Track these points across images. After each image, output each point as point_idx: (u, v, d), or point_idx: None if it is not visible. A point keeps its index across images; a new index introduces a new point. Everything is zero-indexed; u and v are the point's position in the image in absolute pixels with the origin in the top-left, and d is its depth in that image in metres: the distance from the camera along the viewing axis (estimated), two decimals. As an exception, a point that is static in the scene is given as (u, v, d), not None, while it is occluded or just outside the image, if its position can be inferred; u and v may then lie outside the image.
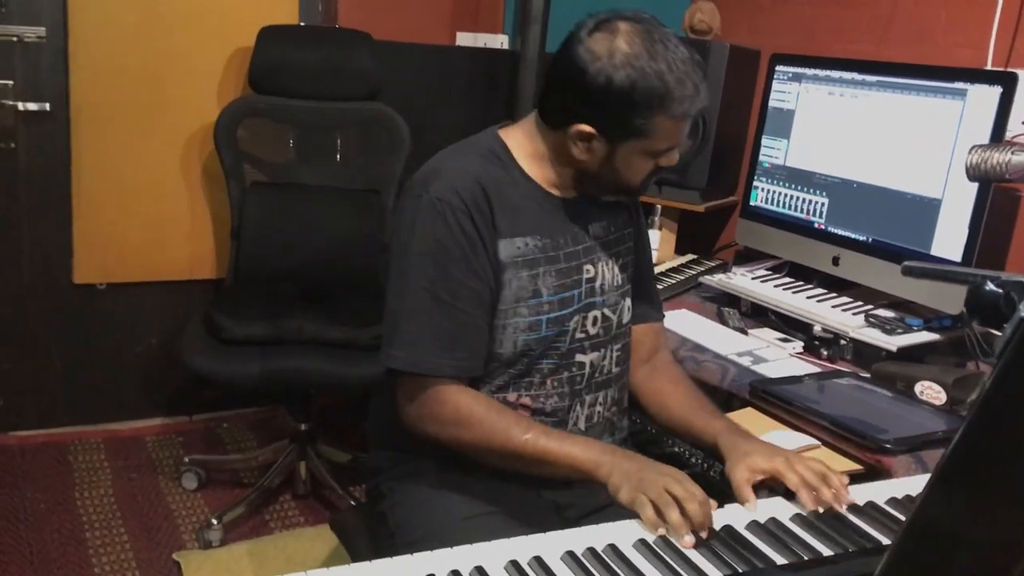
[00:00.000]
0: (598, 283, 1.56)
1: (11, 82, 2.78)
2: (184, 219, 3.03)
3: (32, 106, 2.81)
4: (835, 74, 2.23)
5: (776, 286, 2.27)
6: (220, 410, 3.26)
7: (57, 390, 3.05)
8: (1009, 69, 1.90)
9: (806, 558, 1.21)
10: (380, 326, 2.36)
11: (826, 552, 1.23)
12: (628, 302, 1.63)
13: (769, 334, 2.14)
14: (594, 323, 1.56)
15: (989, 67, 2.11)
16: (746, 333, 2.15)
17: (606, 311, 1.58)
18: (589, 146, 1.44)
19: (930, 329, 2.00)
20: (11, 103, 2.78)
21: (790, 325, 2.15)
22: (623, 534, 1.24)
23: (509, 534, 1.40)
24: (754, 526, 1.28)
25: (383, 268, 2.83)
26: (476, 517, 1.46)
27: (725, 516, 1.30)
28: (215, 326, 2.41)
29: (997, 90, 1.88)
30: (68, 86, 2.81)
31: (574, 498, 1.55)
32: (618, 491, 1.32)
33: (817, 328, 2.07)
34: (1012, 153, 1.43)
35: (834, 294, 2.20)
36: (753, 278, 2.33)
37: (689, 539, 1.23)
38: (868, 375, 1.91)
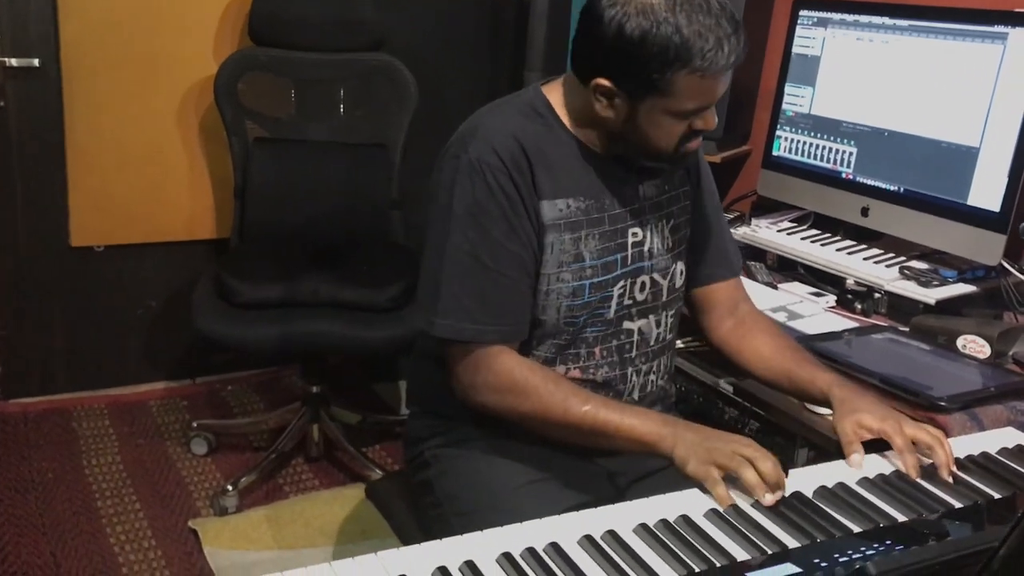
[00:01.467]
0: (646, 247, 1.50)
1: (-3, 37, 2.66)
2: (183, 178, 2.94)
3: (20, 62, 2.69)
4: (864, 19, 2.16)
5: (803, 239, 2.22)
6: (224, 372, 3.19)
7: (58, 356, 2.98)
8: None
9: (882, 524, 1.18)
10: (395, 285, 2.35)
11: (900, 517, 1.20)
12: (681, 265, 1.57)
13: (800, 288, 2.10)
14: (642, 289, 1.51)
15: (1029, 9, 2.04)
16: (776, 287, 2.11)
17: (656, 276, 1.52)
18: (611, 103, 1.36)
19: (965, 280, 1.96)
20: (-2, 59, 2.67)
21: (820, 278, 2.11)
22: (694, 504, 1.20)
23: (565, 501, 1.38)
24: (823, 491, 1.25)
25: (394, 225, 2.78)
26: (529, 485, 1.43)
27: (792, 482, 1.26)
28: (227, 289, 2.33)
29: (1040, 34, 1.83)
30: (58, 40, 2.69)
31: (625, 465, 1.51)
32: (685, 464, 1.27)
33: (850, 281, 2.03)
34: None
35: (863, 246, 2.15)
36: (779, 231, 2.28)
37: (770, 497, 1.19)
38: (906, 329, 1.88)
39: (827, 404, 1.43)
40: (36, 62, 2.70)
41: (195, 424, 2.80)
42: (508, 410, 1.40)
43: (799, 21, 2.31)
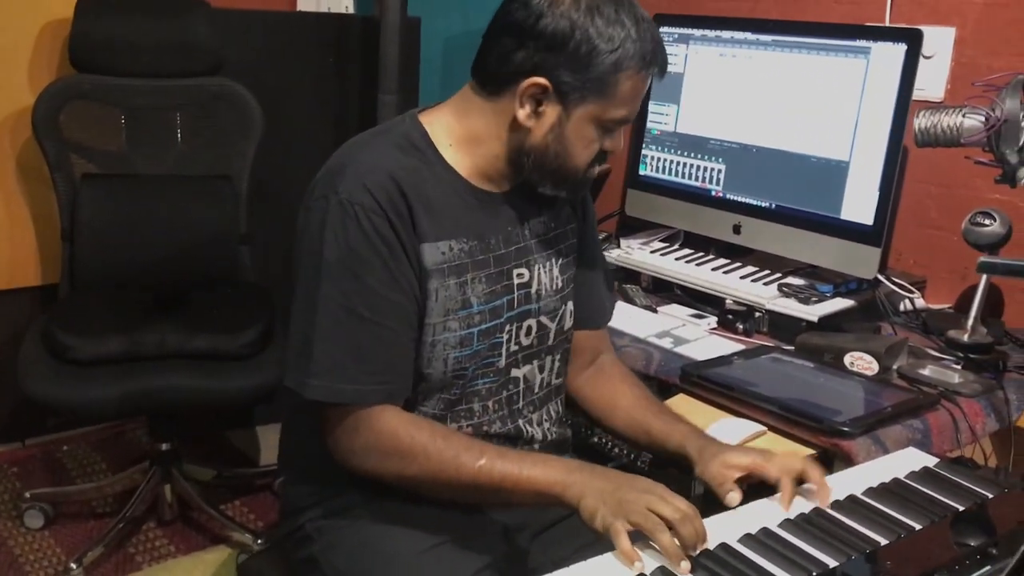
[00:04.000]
0: (534, 288, 1.39)
1: None
2: (0, 221, 2.64)
3: None
4: (726, 34, 2.14)
5: (677, 259, 2.18)
6: (59, 431, 2.89)
7: None
8: (913, 25, 1.86)
9: (815, 573, 1.11)
10: (250, 329, 2.17)
11: (830, 561, 1.13)
12: (570, 307, 1.47)
13: (679, 310, 2.04)
14: (528, 333, 1.40)
15: (888, 24, 2.07)
16: (655, 311, 2.05)
17: (543, 319, 1.41)
18: (539, 108, 1.26)
19: (840, 294, 1.96)
20: None
21: (697, 299, 2.07)
22: (616, 572, 1.10)
23: (469, 566, 1.27)
24: (748, 539, 1.17)
25: (245, 262, 2.58)
26: (427, 552, 1.29)
27: (716, 532, 1.18)
28: (58, 345, 2.08)
29: (902, 48, 1.84)
30: None
31: (524, 517, 1.40)
32: (593, 517, 1.17)
33: (729, 301, 1.99)
34: (963, 115, 1.36)
35: (738, 264, 2.13)
36: (652, 251, 2.23)
37: (686, 565, 1.10)
38: (791, 348, 1.85)
39: (683, 459, 1.38)
40: None
41: (28, 494, 2.51)
42: (394, 474, 1.27)
43: (660, 37, 2.27)
